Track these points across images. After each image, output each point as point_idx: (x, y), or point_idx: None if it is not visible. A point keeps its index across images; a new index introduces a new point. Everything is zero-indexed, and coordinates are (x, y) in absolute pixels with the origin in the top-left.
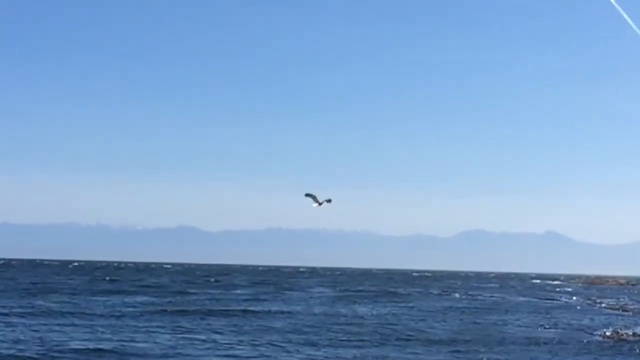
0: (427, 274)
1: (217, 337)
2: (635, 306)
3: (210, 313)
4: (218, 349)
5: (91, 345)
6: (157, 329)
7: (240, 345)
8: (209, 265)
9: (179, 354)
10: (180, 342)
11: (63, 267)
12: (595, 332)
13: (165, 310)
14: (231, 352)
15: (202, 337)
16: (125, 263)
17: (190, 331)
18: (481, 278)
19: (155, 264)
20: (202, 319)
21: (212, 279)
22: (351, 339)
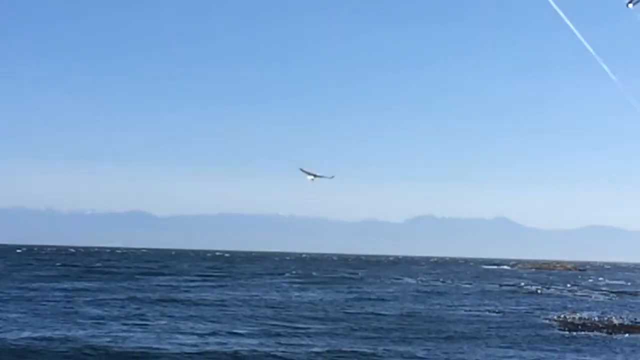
0: (378, 259)
1: (168, 323)
2: (582, 292)
3: (162, 300)
4: (169, 336)
5: (37, 334)
6: (106, 315)
7: (192, 332)
8: (161, 250)
9: (129, 339)
10: (133, 328)
11: (10, 251)
12: (542, 317)
13: (116, 299)
14: (181, 339)
15: (153, 323)
16: (76, 248)
17: (140, 317)
18: (432, 263)
19: (109, 248)
20: (153, 304)
21: (164, 264)
22: (307, 324)
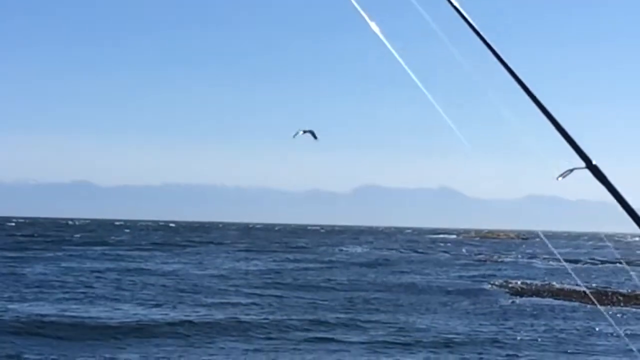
0: (324, 228)
1: (109, 293)
2: (525, 259)
3: (102, 270)
4: (109, 307)
5: None
6: (46, 284)
7: (134, 303)
8: (105, 220)
9: (69, 310)
10: (75, 297)
11: None
12: (487, 283)
13: (56, 268)
14: (123, 309)
15: (93, 293)
16: (16, 219)
17: (81, 287)
18: (378, 232)
19: (52, 218)
20: (93, 274)
21: (107, 234)
22: (254, 293)
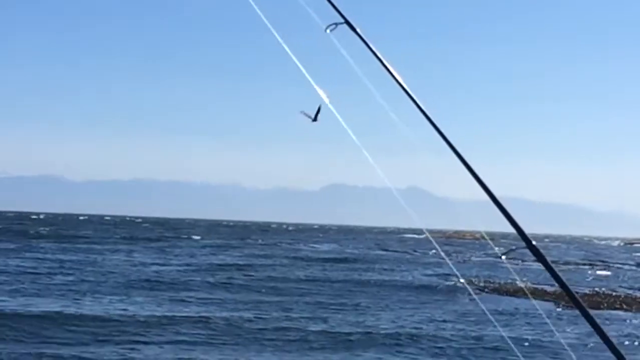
0: (292, 226)
1: (70, 288)
2: (490, 259)
3: (64, 263)
4: (70, 301)
5: None
6: (4, 281)
7: (95, 297)
8: (73, 215)
9: (32, 305)
10: (38, 292)
11: None
12: (449, 281)
13: (17, 263)
14: (85, 303)
15: (53, 287)
16: None
17: (42, 280)
18: (346, 231)
19: (17, 212)
20: (55, 269)
21: (74, 229)
22: (213, 290)
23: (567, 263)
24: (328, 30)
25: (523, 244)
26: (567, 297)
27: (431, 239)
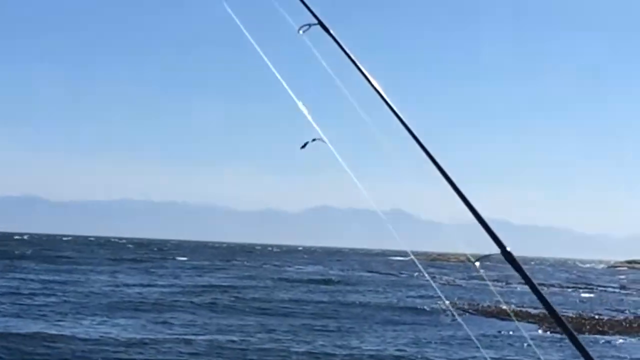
0: (276, 247)
1: (54, 309)
2: (473, 281)
3: (47, 283)
4: (54, 322)
5: None
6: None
7: (78, 318)
8: (54, 236)
9: (15, 327)
10: (19, 312)
11: None
12: (433, 304)
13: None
14: (67, 324)
15: (37, 308)
16: None
17: (23, 301)
18: (330, 253)
19: (8, 234)
20: (36, 289)
21: (53, 250)
22: (192, 310)
23: (551, 285)
24: (301, 32)
25: (498, 249)
26: (552, 318)
27: (416, 261)
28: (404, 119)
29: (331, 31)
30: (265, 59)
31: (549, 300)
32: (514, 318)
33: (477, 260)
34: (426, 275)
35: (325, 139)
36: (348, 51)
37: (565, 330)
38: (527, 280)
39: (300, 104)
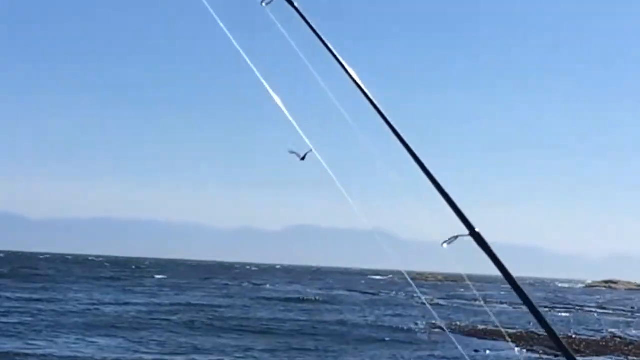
0: (256, 266)
1: (29, 328)
2: (450, 301)
3: (22, 303)
4: (28, 342)
5: None
6: None
7: (52, 338)
8: (32, 254)
9: None
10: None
11: None
12: (411, 322)
13: None
14: (41, 344)
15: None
16: None
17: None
18: (311, 272)
19: None
20: (11, 309)
21: (29, 268)
22: (170, 329)
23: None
24: (264, 4)
25: (466, 230)
26: (529, 309)
27: (410, 281)
28: (382, 110)
29: (295, 3)
30: (251, 66)
31: (524, 290)
32: (493, 337)
33: (445, 242)
34: (419, 294)
35: (317, 155)
36: (314, 26)
37: (544, 324)
38: (497, 264)
39: (288, 115)
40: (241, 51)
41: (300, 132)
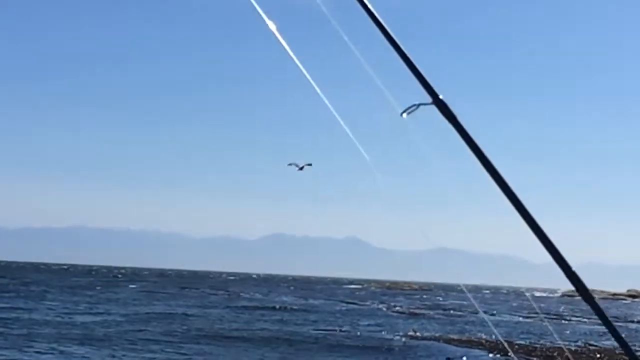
0: (232, 275)
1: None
2: (426, 311)
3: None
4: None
5: None
6: None
7: (28, 348)
8: (9, 263)
9: None
10: None
11: None
12: (386, 332)
13: None
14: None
15: None
16: None
17: None
18: (288, 281)
19: None
20: None
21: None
22: (148, 337)
23: (502, 313)
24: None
25: (430, 99)
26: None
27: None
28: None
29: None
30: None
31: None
32: (467, 345)
33: (404, 111)
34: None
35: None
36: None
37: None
38: (463, 134)
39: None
40: (309, 78)
41: (360, 147)
